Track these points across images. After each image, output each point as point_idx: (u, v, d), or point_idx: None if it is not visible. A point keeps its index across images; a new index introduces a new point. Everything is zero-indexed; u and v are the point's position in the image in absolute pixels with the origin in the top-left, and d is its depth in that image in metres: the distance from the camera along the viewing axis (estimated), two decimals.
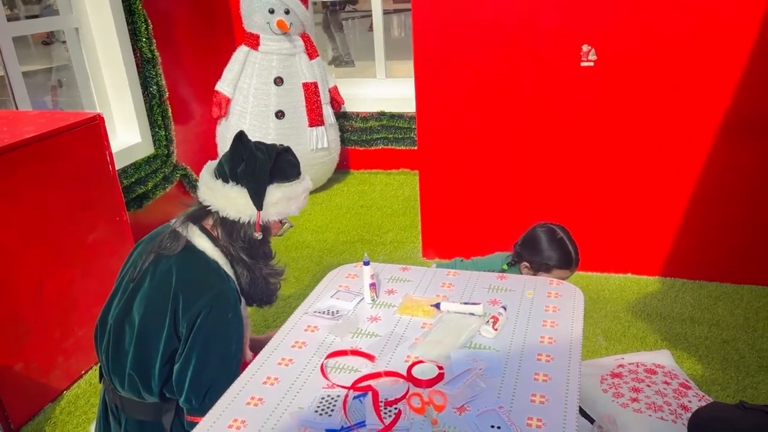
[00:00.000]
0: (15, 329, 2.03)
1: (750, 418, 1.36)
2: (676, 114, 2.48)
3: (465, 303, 1.57)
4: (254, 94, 3.62)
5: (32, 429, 2.06)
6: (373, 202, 3.77)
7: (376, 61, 4.20)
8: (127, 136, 3.39)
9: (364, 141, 4.15)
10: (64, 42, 4.25)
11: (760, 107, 2.38)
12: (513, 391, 1.26)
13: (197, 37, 3.86)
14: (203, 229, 1.51)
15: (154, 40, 3.38)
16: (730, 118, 2.42)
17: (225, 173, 1.48)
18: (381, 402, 1.24)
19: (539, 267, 1.91)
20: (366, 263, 1.62)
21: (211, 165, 1.55)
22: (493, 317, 1.48)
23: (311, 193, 3.93)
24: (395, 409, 1.22)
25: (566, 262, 1.88)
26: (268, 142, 1.55)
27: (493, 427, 1.16)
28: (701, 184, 2.56)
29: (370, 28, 4.36)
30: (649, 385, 1.88)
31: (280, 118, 3.63)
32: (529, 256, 1.93)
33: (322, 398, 1.28)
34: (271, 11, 3.51)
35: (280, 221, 1.58)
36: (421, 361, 1.36)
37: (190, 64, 3.79)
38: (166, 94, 3.50)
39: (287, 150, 1.56)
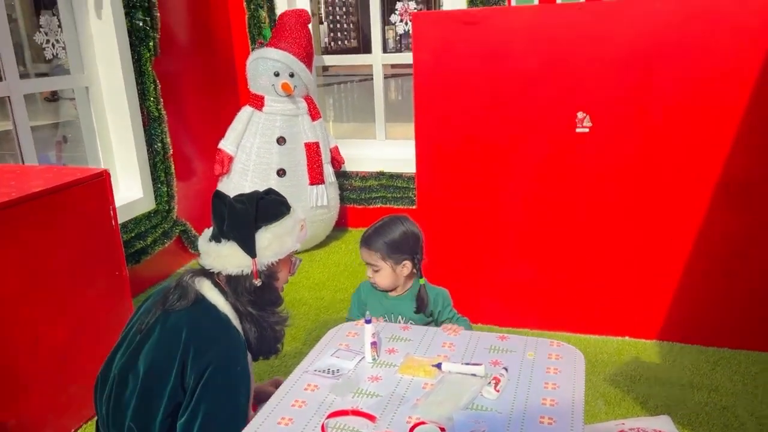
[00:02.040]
0: (10, 384, 2.00)
1: None
2: (670, 180, 2.54)
3: (466, 363, 1.57)
4: (257, 152, 3.70)
5: None
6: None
7: (376, 123, 4.31)
8: (130, 191, 3.44)
9: (363, 200, 4.21)
10: (71, 99, 4.36)
11: (750, 177, 2.45)
12: None
13: (202, 96, 3.97)
14: (215, 284, 1.54)
15: (162, 100, 3.48)
16: (722, 185, 2.49)
17: (216, 234, 1.56)
18: None
19: None
20: (368, 321, 1.63)
21: (206, 233, 1.62)
22: (495, 378, 1.49)
23: (309, 250, 3.97)
24: None
25: None
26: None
27: None
28: (696, 249, 2.60)
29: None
30: None
31: (281, 176, 3.69)
32: None
33: None
34: (276, 74, 3.63)
35: (291, 260, 1.61)
36: (422, 422, 1.35)
37: (194, 122, 3.89)
38: (170, 151, 3.58)
39: (269, 191, 1.64)
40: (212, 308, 1.53)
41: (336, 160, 4.01)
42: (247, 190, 3.82)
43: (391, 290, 1.99)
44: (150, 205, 3.49)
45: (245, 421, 1.47)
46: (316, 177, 3.75)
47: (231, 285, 1.56)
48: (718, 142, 2.45)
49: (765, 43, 2.30)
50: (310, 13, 3.87)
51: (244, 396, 1.50)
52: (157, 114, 3.45)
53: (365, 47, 18.18)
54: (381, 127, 4.31)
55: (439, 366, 1.57)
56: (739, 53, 2.34)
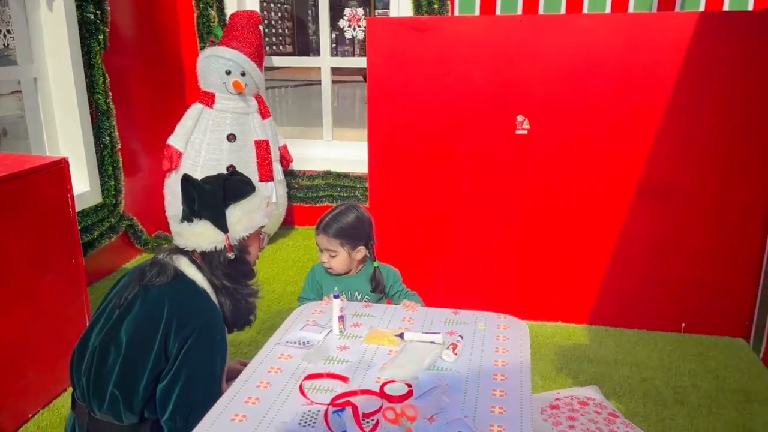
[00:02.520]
0: None
1: None
2: (597, 179, 2.82)
3: (426, 332, 1.74)
4: (206, 149, 3.75)
5: None
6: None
7: (324, 124, 4.45)
8: (77, 184, 3.40)
9: (309, 198, 4.33)
10: (13, 93, 4.25)
11: (666, 178, 2.76)
12: (475, 404, 1.43)
13: (149, 92, 3.98)
14: (192, 261, 1.63)
15: (110, 93, 3.48)
16: (642, 183, 2.78)
17: (187, 215, 1.66)
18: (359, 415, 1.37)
19: None
20: (336, 296, 1.77)
21: (178, 216, 1.72)
22: (452, 344, 1.66)
23: None
24: (372, 420, 1.36)
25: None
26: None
27: None
28: (620, 242, 2.88)
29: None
30: (582, 415, 2.09)
31: None
32: None
33: (304, 413, 1.39)
34: (228, 72, 3.70)
35: (259, 235, 1.74)
36: (391, 381, 1.50)
37: (141, 117, 3.89)
38: (118, 145, 3.57)
39: (234, 172, 1.76)
40: (191, 283, 1.62)
41: (285, 159, 4.11)
42: None
43: (344, 273, 2.13)
44: (97, 198, 3.48)
45: (220, 388, 1.58)
46: (265, 174, 3.84)
47: (206, 261, 1.66)
48: (640, 144, 2.74)
49: (678, 57, 2.62)
50: (260, 14, 3.96)
51: (221, 365, 1.60)
52: (105, 107, 3.45)
53: (301, 52, 18.20)
54: (328, 128, 4.45)
55: (401, 336, 1.73)
56: (656, 66, 2.65)
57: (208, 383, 1.55)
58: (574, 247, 2.93)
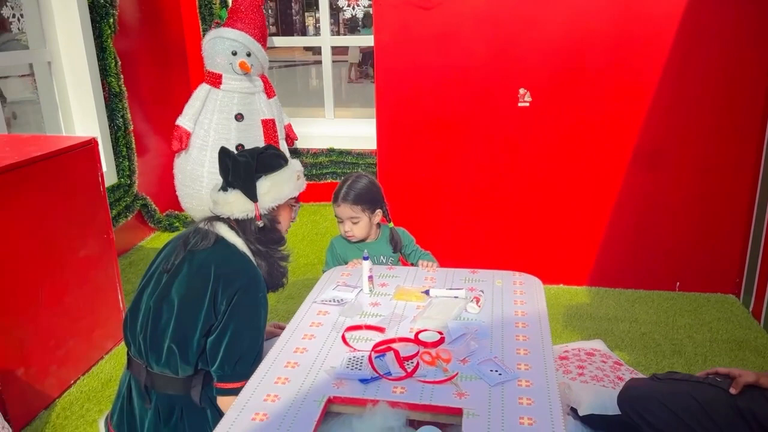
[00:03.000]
0: (17, 335, 2.12)
1: (664, 386, 1.74)
2: (595, 147, 2.97)
3: (450, 289, 1.89)
4: (215, 128, 3.85)
5: None
6: (326, 230, 4.05)
7: (325, 102, 4.56)
8: None
9: (314, 175, 4.45)
10: (22, 76, 4.31)
11: (658, 146, 2.92)
12: (501, 347, 1.59)
13: (155, 74, 4.06)
14: (230, 227, 1.77)
15: (122, 76, 3.57)
16: (636, 150, 2.95)
17: (223, 185, 1.77)
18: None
19: None
20: (366, 258, 1.91)
21: (216, 185, 1.83)
22: (475, 297, 1.82)
23: None
24: (412, 362, 1.52)
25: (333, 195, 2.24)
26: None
27: (492, 370, 1.48)
28: (616, 207, 3.05)
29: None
30: (590, 364, 2.26)
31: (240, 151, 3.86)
32: None
33: (350, 359, 1.55)
34: (234, 53, 3.79)
35: (290, 206, 1.86)
36: (424, 330, 1.66)
37: (149, 99, 3.98)
38: (131, 127, 3.67)
39: (268, 147, 1.84)
40: (233, 246, 1.74)
41: (289, 137, 4.22)
42: (207, 165, 3.99)
43: (363, 239, 2.27)
44: (113, 179, 3.58)
45: (263, 340, 1.71)
46: None
47: (240, 227, 1.78)
48: (635, 113, 2.90)
49: (673, 25, 2.76)
50: None
51: (264, 319, 1.73)
52: (118, 90, 3.54)
53: (285, 32, 18.10)
54: (330, 106, 4.56)
55: (427, 292, 1.88)
56: (648, 37, 2.79)
57: (253, 335, 1.67)
58: (574, 213, 3.09)
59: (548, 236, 3.14)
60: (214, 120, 3.86)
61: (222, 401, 1.63)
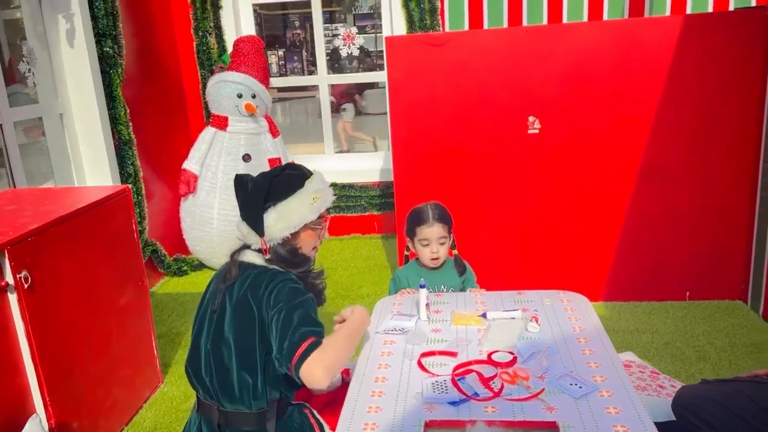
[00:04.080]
0: (70, 388, 2.11)
1: (716, 387, 1.85)
2: (602, 169, 3.13)
3: (505, 311, 1.98)
4: (223, 170, 3.90)
5: None
6: (337, 263, 4.10)
7: (324, 138, 4.66)
8: None
9: None
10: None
11: (662, 164, 3.09)
12: (572, 363, 1.67)
13: (158, 120, 4.10)
14: (258, 251, 1.74)
15: (131, 124, 3.60)
16: (641, 170, 3.11)
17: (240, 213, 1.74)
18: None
19: (411, 238, 2.29)
20: (422, 286, 1.98)
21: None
22: (533, 317, 1.90)
23: None
24: (494, 382, 1.58)
25: (416, 219, 2.24)
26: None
27: (572, 384, 1.56)
28: (626, 225, 3.20)
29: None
30: (630, 375, 2.36)
31: None
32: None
33: (433, 383, 1.60)
34: (239, 96, 3.87)
35: (312, 229, 1.77)
36: (495, 351, 1.74)
37: (154, 146, 4.01)
38: (141, 173, 3.69)
39: (287, 166, 1.77)
40: (261, 267, 1.72)
41: None
42: (217, 208, 4.03)
43: (436, 268, 2.30)
44: None
45: (316, 317, 1.65)
46: None
47: (262, 253, 1.74)
48: (638, 136, 3.07)
49: (669, 53, 2.96)
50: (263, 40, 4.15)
51: (310, 298, 1.67)
52: (128, 137, 3.57)
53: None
54: (329, 141, 4.65)
55: (484, 315, 1.96)
56: (644, 64, 2.98)
57: (302, 313, 1.62)
58: (586, 233, 3.23)
59: (564, 255, 3.26)
60: (221, 162, 3.91)
61: (306, 373, 1.52)
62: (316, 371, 1.50)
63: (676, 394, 1.91)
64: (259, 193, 1.68)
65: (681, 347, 2.78)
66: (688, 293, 3.25)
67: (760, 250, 3.04)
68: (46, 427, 1.96)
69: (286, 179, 1.72)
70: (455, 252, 2.36)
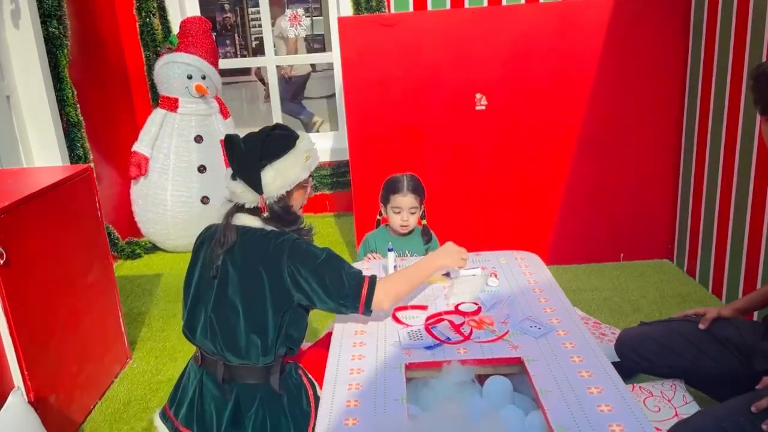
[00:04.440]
0: (47, 362, 2.14)
1: (653, 327, 2.10)
2: (543, 141, 3.36)
3: (466, 268, 2.15)
4: (175, 151, 3.90)
5: None
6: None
7: (274, 119, 4.70)
8: None
9: None
10: None
11: (597, 137, 3.35)
12: (530, 310, 1.86)
13: (103, 102, 4.04)
14: (251, 212, 1.78)
15: (78, 106, 3.55)
16: (580, 144, 3.36)
17: (232, 173, 1.76)
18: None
19: (384, 204, 2.42)
20: (390, 250, 2.13)
21: (228, 172, 1.80)
22: (492, 273, 2.09)
23: None
24: (464, 329, 1.75)
25: (391, 188, 2.38)
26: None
27: (532, 326, 1.75)
28: (565, 193, 3.45)
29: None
30: None
31: (202, 172, 3.94)
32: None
33: (408, 332, 1.76)
34: (189, 77, 3.87)
35: (303, 187, 1.82)
36: (460, 303, 1.91)
37: (102, 128, 3.96)
38: (91, 156, 3.65)
39: (276, 126, 1.78)
40: (260, 230, 1.77)
41: None
42: (170, 189, 4.03)
43: (405, 235, 2.43)
44: None
45: (335, 255, 1.76)
46: None
47: (256, 213, 1.77)
48: (575, 111, 3.31)
49: (601, 34, 3.20)
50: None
51: (317, 247, 1.77)
52: (76, 120, 3.52)
53: None
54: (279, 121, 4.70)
55: (447, 274, 2.13)
56: (581, 44, 3.22)
57: (337, 261, 1.74)
58: (530, 203, 3.46)
59: (508, 223, 3.49)
60: (173, 144, 3.91)
61: (377, 307, 1.74)
62: (385, 304, 1.75)
63: (618, 336, 2.15)
64: (254, 151, 1.69)
65: (618, 302, 3.06)
66: (622, 255, 3.54)
67: (683, 214, 3.36)
68: (27, 401, 1.99)
69: (278, 138, 1.76)
70: (424, 222, 2.51)
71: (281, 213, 1.77)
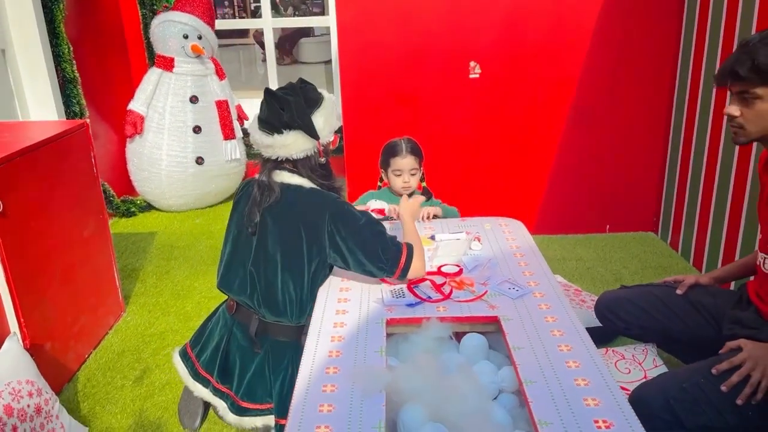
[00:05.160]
0: (42, 311, 2.21)
1: (632, 290, 2.17)
2: (537, 112, 3.39)
3: (451, 233, 2.22)
4: (170, 111, 3.92)
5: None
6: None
7: (269, 82, 4.71)
8: None
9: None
10: None
11: (589, 107, 3.39)
12: (510, 272, 1.93)
13: (99, 60, 4.03)
14: (289, 170, 1.82)
15: (74, 62, 3.56)
16: (571, 115, 3.40)
17: (275, 126, 1.76)
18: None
19: (384, 169, 2.47)
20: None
21: (253, 128, 1.82)
22: (476, 237, 2.15)
23: (225, 201, 4.30)
24: (445, 288, 1.83)
25: (390, 151, 2.43)
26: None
27: (510, 288, 1.82)
28: (555, 165, 3.50)
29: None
30: None
31: (197, 133, 3.96)
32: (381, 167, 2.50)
33: (391, 291, 1.83)
34: (185, 36, 3.87)
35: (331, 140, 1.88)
36: (443, 265, 1.97)
37: (98, 86, 3.96)
38: (87, 113, 3.67)
39: (302, 80, 1.84)
40: (300, 187, 1.81)
41: (241, 117, 4.35)
42: (165, 148, 4.08)
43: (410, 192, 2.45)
44: None
45: (378, 223, 1.84)
46: (228, 133, 4.09)
47: (300, 167, 1.81)
48: (567, 82, 3.34)
49: (589, 8, 3.21)
50: None
51: (360, 212, 1.84)
52: (72, 75, 3.53)
53: None
54: (274, 86, 4.71)
55: (433, 237, 2.19)
56: (580, 12, 3.23)
57: (379, 228, 1.82)
58: (519, 172, 3.51)
59: (498, 191, 3.54)
60: (168, 103, 3.93)
61: (414, 273, 1.81)
62: (421, 271, 1.82)
63: (598, 297, 2.22)
64: (300, 102, 1.73)
65: (600, 271, 3.14)
66: (608, 226, 3.61)
67: (669, 188, 3.42)
68: (23, 347, 2.07)
69: (312, 90, 1.81)
70: (424, 184, 2.56)
71: (325, 164, 1.83)
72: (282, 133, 1.75)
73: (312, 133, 1.77)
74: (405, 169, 2.41)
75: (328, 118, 1.80)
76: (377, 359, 1.51)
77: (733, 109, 1.68)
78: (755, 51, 1.59)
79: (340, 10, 3.20)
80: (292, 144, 1.77)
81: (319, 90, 1.85)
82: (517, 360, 1.48)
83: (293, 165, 1.83)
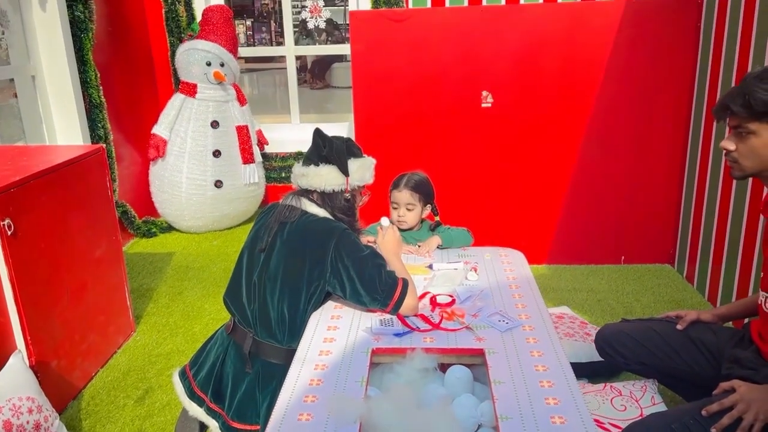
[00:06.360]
0: (49, 329, 2.28)
1: (632, 324, 2.13)
2: (550, 142, 3.38)
3: (449, 263, 2.22)
4: (192, 136, 4.03)
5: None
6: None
7: (291, 108, 4.81)
8: None
9: (283, 178, 4.68)
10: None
11: (603, 137, 3.36)
12: (502, 304, 1.92)
13: (126, 85, 4.19)
14: (312, 201, 1.96)
15: (101, 87, 3.70)
16: (585, 145, 3.38)
17: (314, 159, 1.95)
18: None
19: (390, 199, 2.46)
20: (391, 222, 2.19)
21: (298, 164, 2.02)
22: (473, 267, 2.15)
23: (243, 224, 4.38)
24: (433, 319, 1.82)
25: (393, 183, 2.45)
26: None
27: (500, 320, 1.81)
28: (568, 194, 3.48)
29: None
30: (561, 324, 2.64)
31: (217, 157, 4.06)
32: None
33: (381, 319, 1.84)
34: (208, 64, 3.99)
35: (361, 193, 2.05)
36: (437, 295, 1.97)
37: (123, 110, 4.11)
38: (111, 137, 3.80)
39: (349, 139, 2.05)
40: (316, 216, 1.93)
41: (261, 142, 4.45)
42: (185, 172, 4.19)
43: (410, 229, 2.47)
44: None
45: (380, 257, 1.90)
46: (248, 157, 4.18)
47: (325, 199, 1.96)
48: (582, 113, 3.33)
49: (611, 36, 3.20)
50: (230, 8, 4.26)
51: (364, 246, 1.91)
52: (98, 101, 3.67)
53: None
54: (296, 112, 4.81)
55: (430, 266, 2.20)
56: (589, 44, 3.23)
57: (379, 261, 1.87)
58: (533, 200, 3.49)
59: (511, 220, 3.53)
60: (190, 128, 4.04)
61: (406, 309, 1.83)
62: (414, 309, 1.83)
63: (598, 331, 2.18)
64: (341, 146, 1.95)
65: (612, 304, 3.09)
66: (623, 257, 3.55)
67: (686, 220, 3.35)
68: (27, 364, 2.14)
69: (354, 146, 2.02)
70: (437, 218, 2.55)
71: (349, 204, 1.98)
72: (318, 165, 1.93)
73: (344, 169, 1.93)
74: (401, 203, 2.42)
75: (362, 168, 1.99)
76: (357, 389, 1.51)
77: (729, 143, 1.67)
78: (749, 87, 1.58)
79: (354, 39, 3.27)
80: (325, 176, 1.93)
81: (362, 151, 2.05)
82: (497, 394, 1.47)
83: (320, 197, 1.97)
